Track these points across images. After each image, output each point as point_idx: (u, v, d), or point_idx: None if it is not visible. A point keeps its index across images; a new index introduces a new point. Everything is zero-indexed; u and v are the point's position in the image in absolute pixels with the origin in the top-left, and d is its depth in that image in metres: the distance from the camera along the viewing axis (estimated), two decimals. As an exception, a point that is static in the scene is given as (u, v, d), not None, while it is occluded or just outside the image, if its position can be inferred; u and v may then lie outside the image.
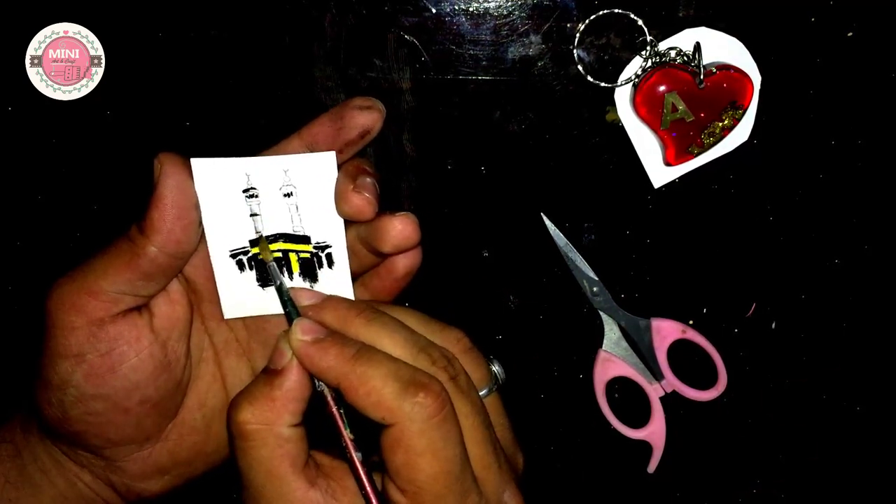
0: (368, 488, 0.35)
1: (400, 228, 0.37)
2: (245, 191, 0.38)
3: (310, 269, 0.39)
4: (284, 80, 0.47)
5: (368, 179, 0.37)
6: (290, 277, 0.39)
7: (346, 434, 0.36)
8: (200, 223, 0.37)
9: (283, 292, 0.38)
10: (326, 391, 0.36)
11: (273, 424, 0.34)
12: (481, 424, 0.35)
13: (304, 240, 0.39)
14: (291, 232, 0.39)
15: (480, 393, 0.37)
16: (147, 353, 0.37)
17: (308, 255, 0.39)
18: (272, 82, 0.47)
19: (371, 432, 0.34)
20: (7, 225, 0.50)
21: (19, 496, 0.40)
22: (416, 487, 0.33)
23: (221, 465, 0.42)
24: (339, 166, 0.38)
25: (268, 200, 0.38)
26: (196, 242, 0.37)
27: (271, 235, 0.39)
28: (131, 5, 0.46)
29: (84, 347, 0.36)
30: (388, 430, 0.33)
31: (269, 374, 0.35)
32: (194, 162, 0.37)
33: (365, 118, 0.39)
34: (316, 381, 0.36)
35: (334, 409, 0.36)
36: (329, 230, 0.39)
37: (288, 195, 0.38)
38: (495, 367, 0.39)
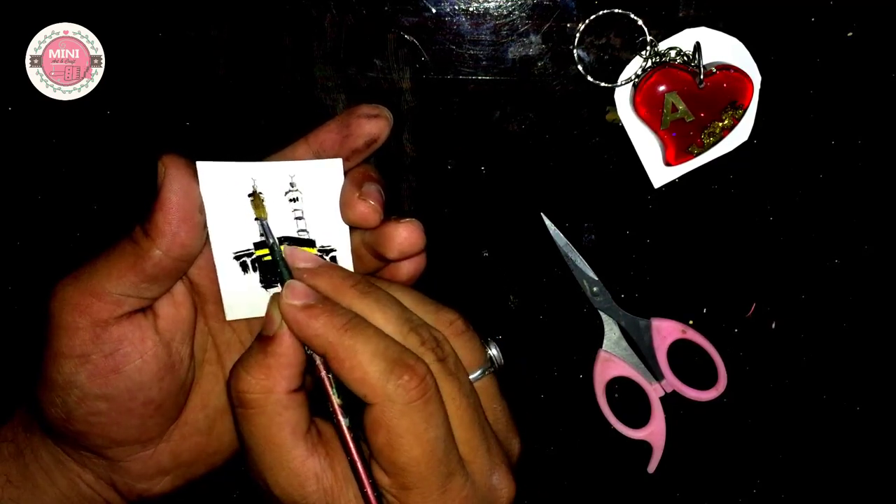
0: (355, 454, 0.35)
1: (405, 235, 0.37)
2: (251, 195, 0.38)
3: None
4: (284, 80, 0.47)
5: (374, 186, 0.37)
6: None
7: (335, 399, 0.35)
8: (205, 226, 0.37)
9: (275, 252, 0.37)
10: (316, 354, 0.35)
11: (270, 392, 0.34)
12: (469, 407, 0.35)
13: (309, 243, 0.39)
14: (296, 236, 0.39)
15: (473, 376, 0.37)
16: (151, 355, 0.37)
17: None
18: (272, 82, 0.47)
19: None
20: (7, 225, 0.50)
21: (21, 496, 0.40)
22: (398, 469, 0.33)
23: (223, 465, 0.42)
24: (346, 173, 0.38)
25: (273, 204, 0.38)
26: (201, 245, 0.37)
27: (277, 239, 0.39)
28: (131, 5, 0.46)
29: (88, 348, 0.36)
30: (370, 409, 0.33)
31: (262, 340, 0.35)
32: (200, 165, 0.36)
33: (372, 126, 0.39)
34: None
35: (323, 374, 0.35)
36: (334, 234, 0.39)
37: (293, 200, 0.38)
38: (492, 351, 0.38)
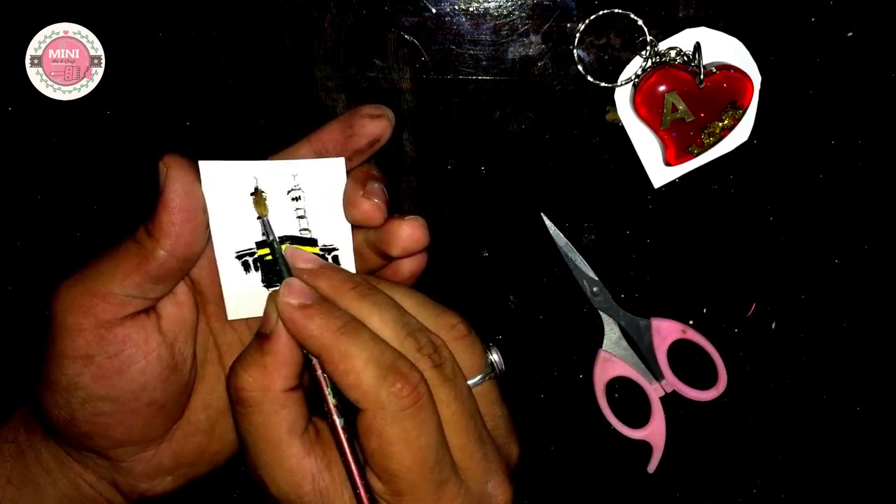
0: (349, 456, 0.34)
1: (409, 232, 0.37)
2: (252, 192, 0.38)
3: None
4: (284, 80, 0.47)
5: (378, 185, 0.37)
6: None
7: (330, 399, 0.35)
8: (207, 225, 0.37)
9: (275, 250, 0.37)
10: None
11: (267, 390, 0.34)
12: (464, 413, 0.35)
13: (311, 242, 0.39)
14: (298, 234, 0.39)
15: (472, 381, 0.37)
16: (155, 355, 0.37)
17: (315, 256, 0.39)
18: (272, 82, 0.47)
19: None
20: (7, 225, 0.50)
21: (21, 496, 0.40)
22: (389, 475, 0.33)
23: (224, 464, 0.42)
24: (348, 172, 0.38)
25: (275, 203, 0.38)
26: (204, 244, 0.37)
27: (278, 238, 0.39)
28: (131, 5, 0.46)
29: (92, 349, 0.36)
30: (363, 415, 0.33)
31: (260, 338, 0.35)
32: (202, 164, 0.36)
33: (374, 127, 0.39)
34: None
35: (319, 373, 0.35)
36: (336, 233, 0.39)
37: (296, 199, 0.38)
38: (494, 356, 0.38)
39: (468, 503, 0.34)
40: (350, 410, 0.35)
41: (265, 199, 0.38)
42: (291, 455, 0.34)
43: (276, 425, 0.34)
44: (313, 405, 0.36)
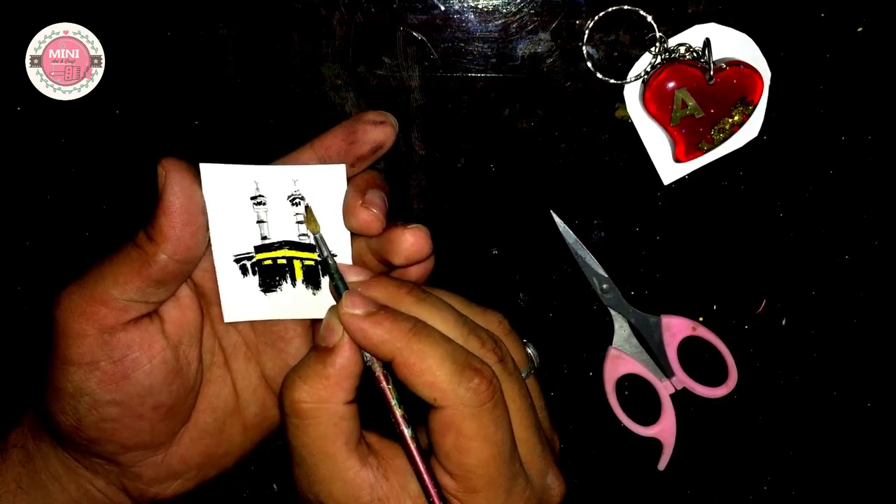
0: (420, 463, 0.35)
1: (412, 241, 0.37)
2: (253, 198, 0.38)
3: (313, 277, 0.39)
4: (293, 79, 0.47)
5: (377, 194, 0.37)
6: (294, 284, 0.39)
7: (397, 410, 0.35)
8: (208, 227, 0.37)
9: (330, 265, 0.37)
10: (376, 365, 0.35)
11: (328, 402, 0.34)
12: (528, 408, 0.36)
13: (310, 248, 0.39)
14: (297, 240, 0.39)
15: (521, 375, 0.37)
16: (160, 359, 0.37)
17: (312, 262, 0.39)
18: (281, 81, 0.47)
19: (419, 410, 0.34)
20: (15, 225, 0.50)
21: (31, 501, 0.40)
22: (466, 471, 0.33)
23: (234, 466, 0.42)
24: (350, 179, 0.38)
25: (275, 208, 0.38)
26: (205, 247, 0.37)
27: (276, 242, 0.39)
28: (131, 5, 0.46)
29: (97, 355, 0.36)
30: (438, 413, 0.33)
31: (321, 351, 0.35)
32: (203, 167, 0.36)
33: (378, 133, 0.38)
34: (365, 355, 0.35)
35: (384, 384, 0.35)
36: (335, 240, 0.39)
37: (296, 204, 0.38)
38: (530, 350, 0.39)
39: (534, 496, 0.35)
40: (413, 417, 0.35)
41: (315, 216, 0.38)
42: (349, 467, 0.34)
43: (334, 437, 0.34)
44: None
